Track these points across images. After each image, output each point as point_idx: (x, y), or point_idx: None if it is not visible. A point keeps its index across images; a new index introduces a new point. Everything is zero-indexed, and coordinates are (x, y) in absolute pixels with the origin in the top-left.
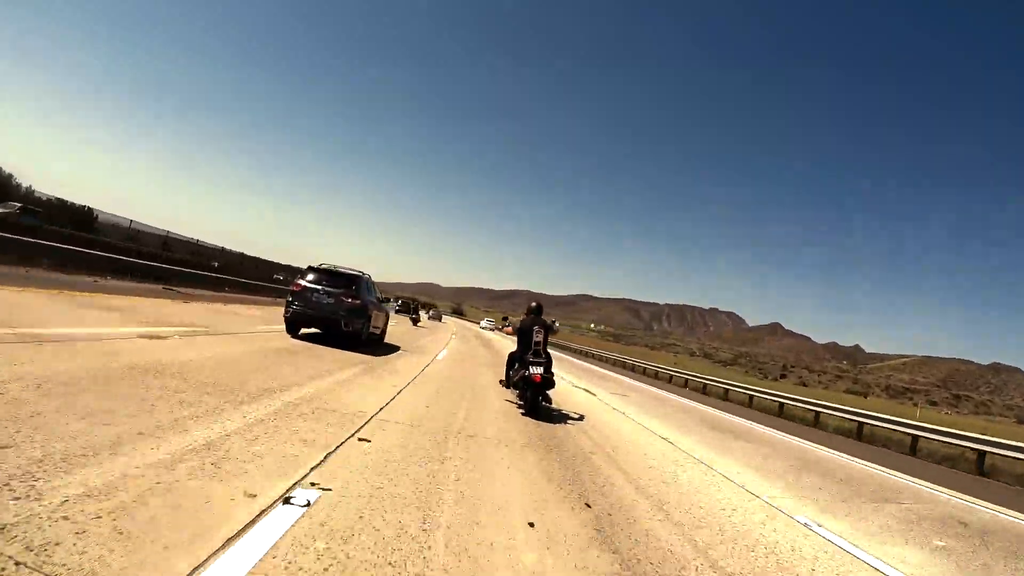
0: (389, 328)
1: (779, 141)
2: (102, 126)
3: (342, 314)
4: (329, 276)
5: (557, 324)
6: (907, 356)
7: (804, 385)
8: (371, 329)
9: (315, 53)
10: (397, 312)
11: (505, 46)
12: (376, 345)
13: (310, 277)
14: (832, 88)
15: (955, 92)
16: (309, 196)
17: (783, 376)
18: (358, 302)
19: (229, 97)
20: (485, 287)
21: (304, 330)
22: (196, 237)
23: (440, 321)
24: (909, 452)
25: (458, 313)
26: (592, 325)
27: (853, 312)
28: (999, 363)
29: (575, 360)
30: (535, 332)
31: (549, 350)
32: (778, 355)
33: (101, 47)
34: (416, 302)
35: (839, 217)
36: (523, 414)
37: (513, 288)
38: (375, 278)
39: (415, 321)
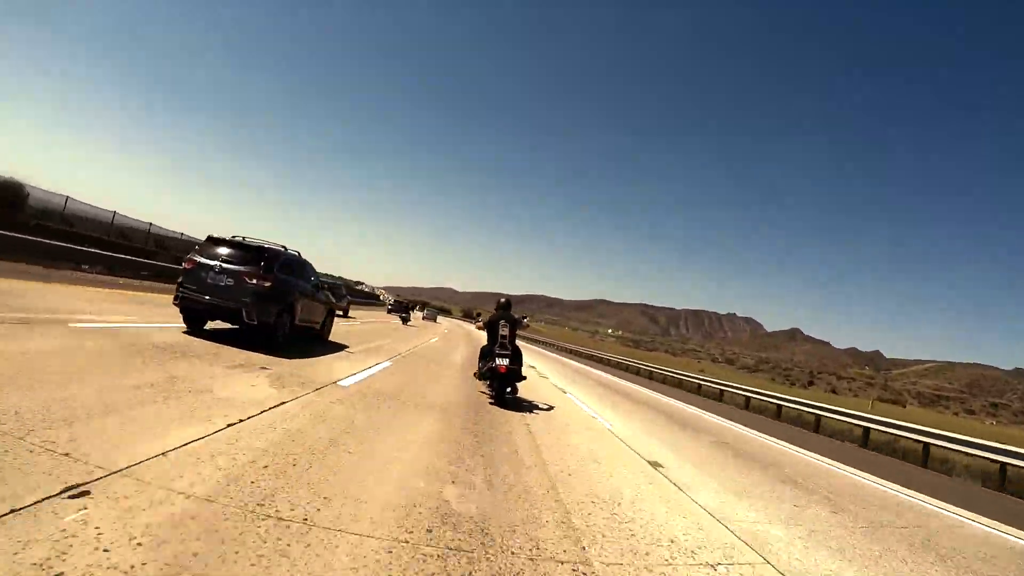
0: (368, 327)
1: (793, 145)
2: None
3: (244, 300)
4: (232, 249)
5: (526, 320)
6: (928, 362)
7: (835, 392)
8: (298, 322)
9: (322, 52)
10: (390, 311)
11: (515, 40)
12: (307, 346)
13: (212, 251)
14: (847, 89)
15: (971, 93)
16: (316, 197)
17: (811, 383)
18: (268, 284)
19: (232, 97)
20: (502, 291)
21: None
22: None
23: (434, 321)
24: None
25: (470, 316)
26: (610, 330)
27: (870, 317)
28: (1021, 368)
29: (581, 366)
30: (501, 326)
31: (518, 343)
32: (800, 361)
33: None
34: (410, 302)
35: (858, 222)
36: (491, 403)
37: (529, 292)
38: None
39: (405, 320)
